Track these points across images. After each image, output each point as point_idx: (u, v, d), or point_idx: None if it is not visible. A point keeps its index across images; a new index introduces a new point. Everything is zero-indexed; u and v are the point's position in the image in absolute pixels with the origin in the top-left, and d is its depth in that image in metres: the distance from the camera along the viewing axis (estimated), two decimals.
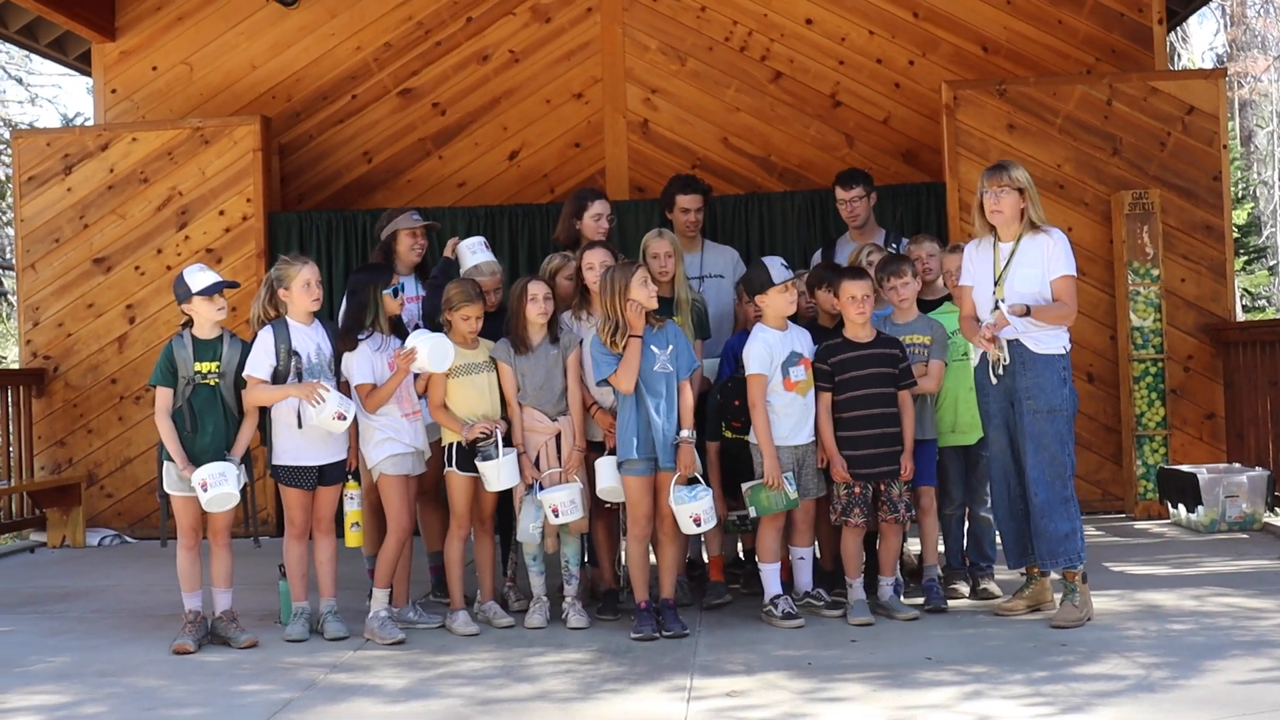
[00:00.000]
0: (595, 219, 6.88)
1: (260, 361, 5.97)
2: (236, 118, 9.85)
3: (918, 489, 6.34)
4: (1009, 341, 5.90)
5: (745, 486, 6.09)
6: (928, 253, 6.81)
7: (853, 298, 6.09)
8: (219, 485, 5.79)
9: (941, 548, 6.61)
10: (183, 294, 6.01)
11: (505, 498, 6.28)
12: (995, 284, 5.93)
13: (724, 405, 6.29)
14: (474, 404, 6.14)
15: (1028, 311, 5.79)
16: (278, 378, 5.97)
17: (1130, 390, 8.84)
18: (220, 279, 6.06)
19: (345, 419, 5.89)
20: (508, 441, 6.10)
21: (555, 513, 6.00)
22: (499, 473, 6.01)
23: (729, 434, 6.31)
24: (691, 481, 5.90)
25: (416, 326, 6.47)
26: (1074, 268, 5.93)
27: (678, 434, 5.92)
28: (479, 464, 6.03)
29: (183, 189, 9.71)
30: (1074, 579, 5.80)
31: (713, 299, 7.11)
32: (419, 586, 6.67)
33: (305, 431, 5.96)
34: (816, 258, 7.76)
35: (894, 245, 7.53)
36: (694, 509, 5.82)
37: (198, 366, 5.95)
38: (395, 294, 6.22)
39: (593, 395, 6.18)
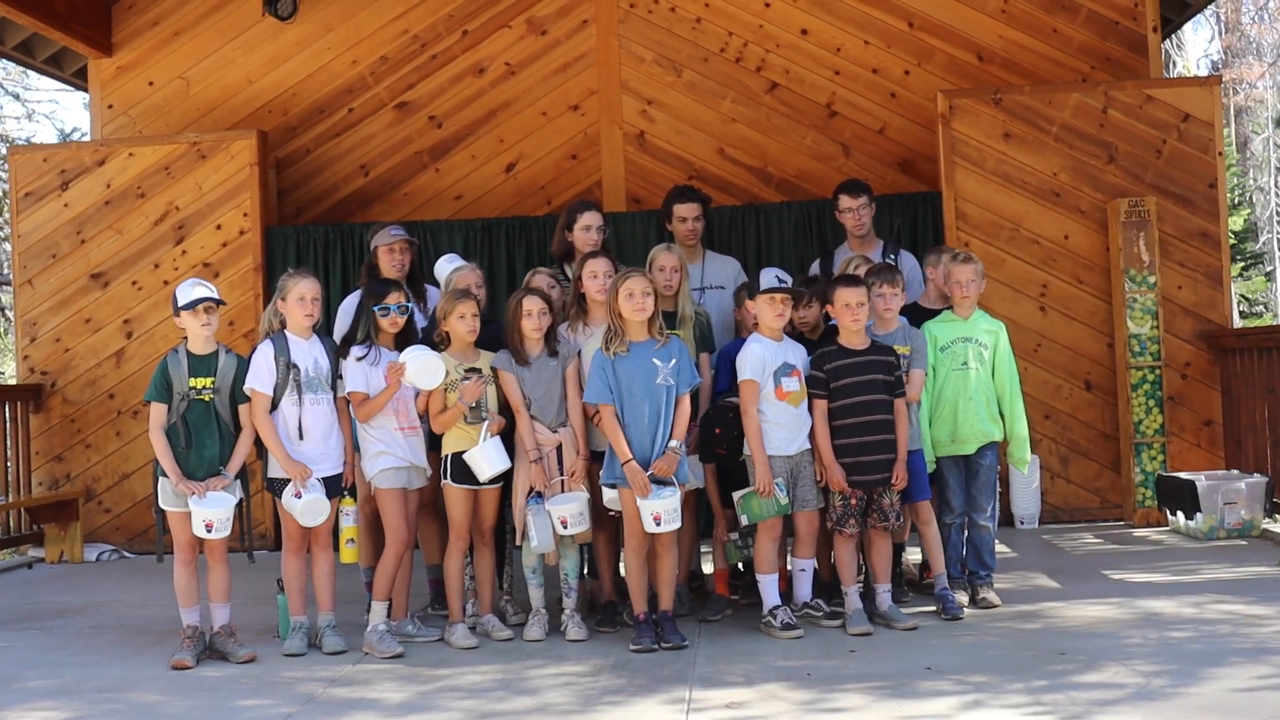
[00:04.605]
0: (585, 230, 6.88)
1: (261, 374, 5.97)
2: (233, 132, 9.86)
3: (915, 504, 6.34)
4: None
5: (737, 495, 6.07)
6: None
7: (847, 305, 6.09)
8: (223, 530, 5.88)
9: None
10: (174, 309, 6.01)
11: (502, 511, 6.27)
12: None
13: (706, 434, 6.26)
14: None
15: None
16: (277, 390, 5.98)
17: (1128, 398, 8.84)
18: (205, 294, 5.97)
19: (299, 500, 5.92)
20: (509, 442, 6.11)
21: (564, 524, 6.00)
22: (477, 459, 5.98)
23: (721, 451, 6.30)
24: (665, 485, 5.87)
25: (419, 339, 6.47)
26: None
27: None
28: (478, 436, 6.01)
29: (179, 204, 9.72)
30: None
31: (714, 309, 7.10)
32: (417, 599, 6.66)
33: (301, 444, 5.99)
34: (814, 268, 7.77)
35: (892, 256, 7.54)
36: (655, 506, 5.77)
37: (193, 382, 5.93)
38: (386, 313, 6.20)
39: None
